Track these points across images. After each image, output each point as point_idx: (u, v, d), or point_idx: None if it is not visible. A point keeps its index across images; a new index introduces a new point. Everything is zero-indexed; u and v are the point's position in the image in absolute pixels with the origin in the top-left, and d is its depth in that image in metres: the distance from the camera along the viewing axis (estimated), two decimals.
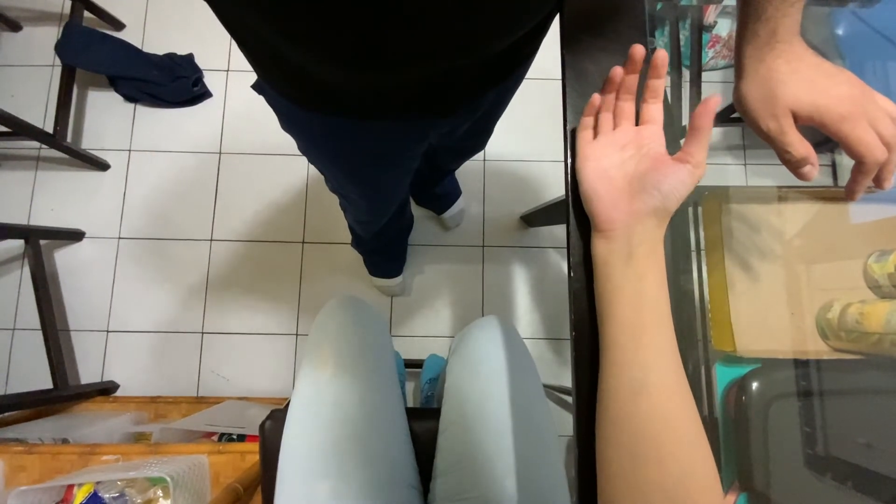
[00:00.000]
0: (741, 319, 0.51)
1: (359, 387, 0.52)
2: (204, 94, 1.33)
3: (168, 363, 1.22)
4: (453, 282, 1.26)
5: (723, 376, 0.51)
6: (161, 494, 0.75)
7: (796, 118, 0.35)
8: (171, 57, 1.31)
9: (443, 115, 0.52)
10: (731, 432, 0.50)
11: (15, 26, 1.35)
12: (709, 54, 1.30)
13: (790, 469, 0.49)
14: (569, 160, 0.39)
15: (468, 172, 1.29)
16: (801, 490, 0.49)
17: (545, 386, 0.61)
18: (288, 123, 0.52)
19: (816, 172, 0.36)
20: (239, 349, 1.22)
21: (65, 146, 1.17)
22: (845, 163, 0.39)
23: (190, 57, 1.33)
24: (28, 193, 1.28)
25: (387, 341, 0.63)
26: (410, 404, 1.18)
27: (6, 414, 1.05)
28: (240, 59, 1.33)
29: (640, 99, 0.37)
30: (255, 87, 0.48)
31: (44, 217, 1.26)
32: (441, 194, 1.18)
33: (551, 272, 1.27)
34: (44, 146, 1.18)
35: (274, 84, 0.45)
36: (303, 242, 1.27)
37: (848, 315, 0.50)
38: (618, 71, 0.36)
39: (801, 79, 0.35)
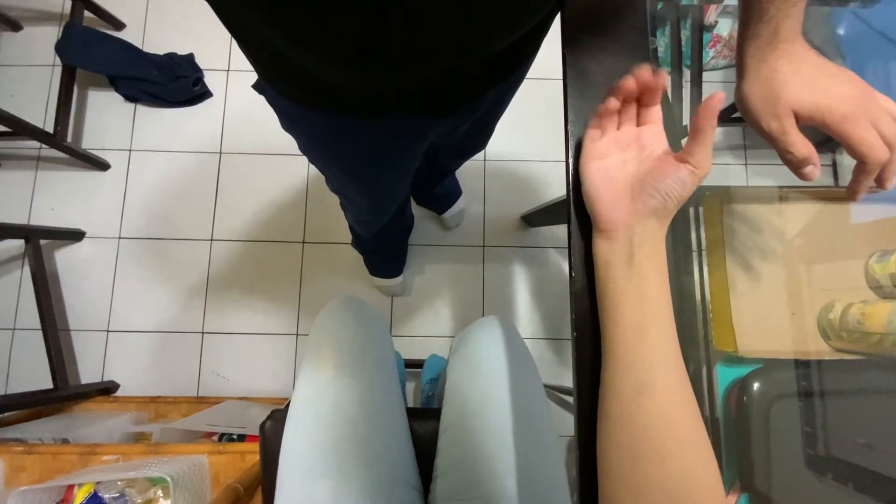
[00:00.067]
0: (742, 320, 0.51)
1: (359, 387, 0.52)
2: (204, 94, 1.33)
3: (168, 363, 1.22)
4: (454, 282, 1.26)
5: (724, 377, 0.51)
6: (161, 494, 0.75)
7: (798, 118, 0.35)
8: (171, 57, 1.31)
9: (443, 114, 0.52)
10: (733, 433, 0.49)
11: (15, 26, 1.35)
12: (709, 54, 1.30)
13: (791, 469, 0.48)
14: (570, 160, 0.39)
15: (469, 172, 1.29)
16: (802, 490, 0.49)
17: (546, 386, 0.61)
18: (288, 123, 0.52)
19: (818, 173, 0.36)
20: (239, 349, 1.22)
21: (65, 146, 1.16)
22: (846, 163, 0.39)
23: (190, 57, 1.33)
24: (28, 193, 1.28)
25: (387, 341, 0.63)
26: (411, 404, 1.18)
27: (6, 414, 1.05)
28: (240, 59, 1.33)
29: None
30: (256, 86, 0.48)
31: (44, 217, 1.26)
32: (441, 194, 1.18)
33: (552, 272, 1.27)
34: (44, 146, 1.18)
35: (274, 83, 0.44)
36: (303, 242, 1.27)
37: (849, 315, 0.50)
38: (628, 85, 0.35)
39: (802, 79, 0.35)
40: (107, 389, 1.18)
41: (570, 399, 1.16)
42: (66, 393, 1.07)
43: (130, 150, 1.31)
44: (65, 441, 0.92)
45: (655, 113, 0.36)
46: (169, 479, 0.70)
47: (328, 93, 0.42)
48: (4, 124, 1.03)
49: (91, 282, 1.24)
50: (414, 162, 0.64)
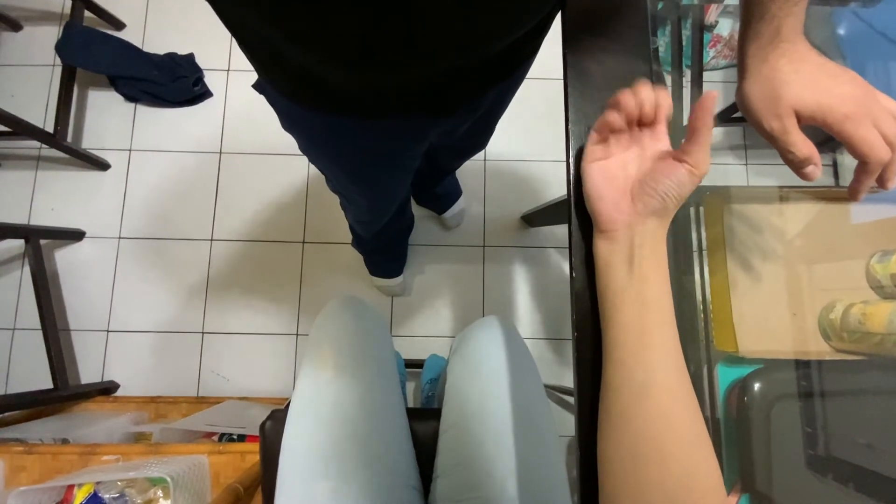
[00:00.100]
0: (743, 320, 0.51)
1: (359, 387, 0.52)
2: (204, 94, 1.33)
3: (168, 363, 1.22)
4: (454, 282, 1.26)
5: (725, 377, 0.51)
6: (161, 495, 0.75)
7: (799, 118, 0.35)
8: (171, 57, 1.31)
9: (443, 114, 0.52)
10: (733, 433, 0.49)
11: (15, 26, 1.35)
12: (710, 54, 1.29)
13: (792, 470, 0.48)
14: (571, 160, 0.39)
15: (469, 172, 1.29)
16: (803, 491, 0.49)
17: (546, 386, 0.61)
18: (289, 123, 0.52)
19: (820, 172, 0.36)
20: (239, 349, 1.22)
21: (65, 146, 1.16)
22: (847, 162, 0.38)
23: (190, 56, 1.33)
24: (28, 193, 1.28)
25: (387, 341, 0.63)
26: (411, 404, 1.18)
27: (6, 414, 1.05)
28: (240, 59, 1.33)
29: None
30: (256, 86, 0.48)
31: (44, 217, 1.26)
32: (441, 194, 1.18)
33: (552, 272, 1.27)
34: (44, 146, 1.18)
35: (275, 83, 0.44)
36: (303, 242, 1.27)
37: (850, 316, 0.49)
38: (628, 108, 0.34)
39: (804, 78, 0.35)
40: (107, 389, 1.18)
41: (571, 399, 1.16)
42: (66, 393, 1.07)
43: (130, 150, 1.31)
44: (65, 441, 0.92)
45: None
46: (169, 479, 0.70)
47: (328, 92, 0.42)
48: (4, 124, 1.03)
49: (91, 282, 1.24)
50: (414, 162, 0.64)
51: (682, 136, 0.32)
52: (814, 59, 0.35)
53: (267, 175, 1.30)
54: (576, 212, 0.37)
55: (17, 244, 1.22)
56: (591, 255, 0.35)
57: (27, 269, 1.15)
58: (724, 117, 0.98)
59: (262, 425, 0.60)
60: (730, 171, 1.29)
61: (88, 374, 1.21)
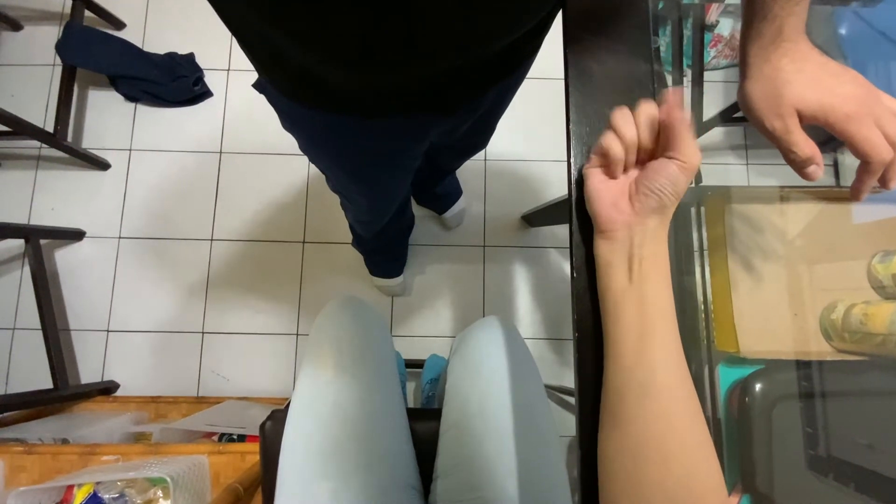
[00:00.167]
0: (744, 320, 0.51)
1: (359, 387, 0.52)
2: (204, 94, 1.33)
3: (168, 363, 1.22)
4: (454, 282, 1.26)
5: (726, 377, 0.51)
6: (161, 495, 0.75)
7: (801, 117, 0.35)
8: (171, 56, 1.31)
9: (444, 114, 0.52)
10: (734, 433, 0.49)
11: (16, 26, 1.35)
12: (711, 54, 1.29)
13: (793, 470, 0.48)
14: (571, 160, 0.38)
15: (469, 172, 1.28)
16: (804, 491, 0.49)
17: (546, 386, 0.61)
18: (289, 122, 0.52)
19: (822, 172, 0.36)
20: (239, 349, 1.22)
21: (65, 146, 1.16)
22: (848, 162, 0.38)
23: (190, 56, 1.33)
24: (28, 193, 1.28)
25: (387, 341, 0.63)
26: (411, 405, 1.18)
27: (6, 414, 1.05)
28: (240, 59, 1.33)
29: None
30: (256, 85, 0.48)
31: (44, 217, 1.26)
32: (442, 194, 1.17)
33: (553, 272, 1.27)
34: (44, 146, 1.18)
35: (275, 82, 0.44)
36: (303, 242, 1.27)
37: (852, 316, 0.49)
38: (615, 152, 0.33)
39: (806, 78, 0.35)
40: (107, 389, 1.18)
41: (571, 399, 1.16)
42: (66, 393, 1.07)
43: (130, 150, 1.31)
44: (65, 441, 0.92)
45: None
46: (169, 479, 0.70)
47: (328, 92, 0.42)
48: (5, 124, 1.03)
49: (91, 281, 1.24)
50: (414, 161, 0.64)
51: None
52: (816, 58, 0.35)
53: (267, 175, 1.29)
54: (576, 212, 0.37)
55: (17, 244, 1.22)
56: (591, 255, 0.35)
57: (27, 268, 1.15)
58: (726, 117, 0.98)
59: (262, 425, 0.60)
60: (731, 171, 1.29)
61: (88, 373, 1.21)
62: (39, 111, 1.29)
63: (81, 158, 1.24)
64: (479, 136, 0.80)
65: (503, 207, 1.29)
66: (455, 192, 1.21)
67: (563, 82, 0.41)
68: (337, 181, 0.66)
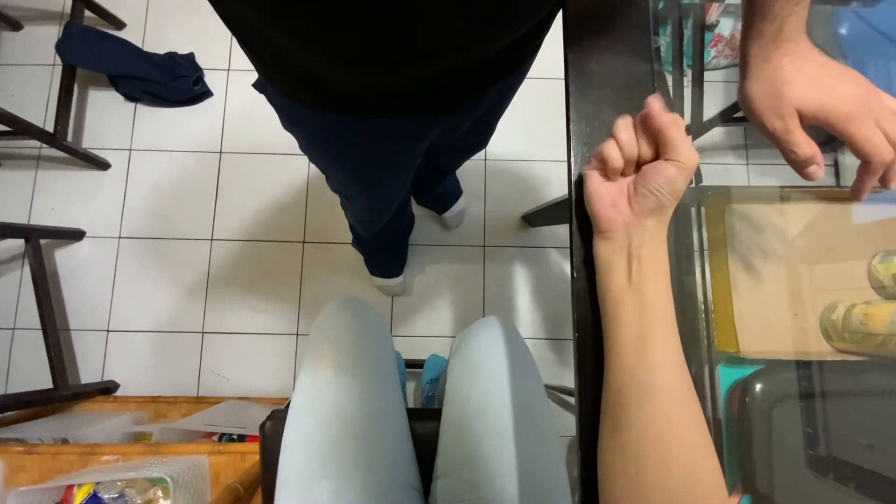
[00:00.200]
0: (744, 320, 0.51)
1: (359, 387, 0.52)
2: (204, 94, 1.33)
3: (168, 363, 1.22)
4: (454, 282, 1.26)
5: (726, 377, 0.51)
6: (161, 495, 0.75)
7: (802, 117, 0.35)
8: (171, 56, 1.31)
9: (444, 113, 0.52)
10: (734, 434, 0.49)
11: (16, 25, 1.35)
12: (711, 53, 1.29)
13: (793, 470, 0.48)
14: (571, 160, 0.38)
15: (469, 172, 1.28)
16: (804, 491, 0.49)
17: (546, 386, 0.60)
18: (289, 122, 0.52)
19: (822, 172, 0.36)
20: (239, 349, 1.22)
21: (65, 145, 1.16)
22: (849, 162, 0.38)
23: (190, 56, 1.33)
24: (28, 193, 1.28)
25: (387, 341, 0.63)
26: (411, 405, 1.18)
27: (6, 414, 1.05)
28: (240, 59, 1.33)
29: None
30: (256, 85, 0.48)
31: (44, 216, 1.26)
32: (442, 194, 1.17)
33: (552, 272, 1.27)
34: (44, 145, 1.18)
35: (275, 82, 0.44)
36: (303, 242, 1.27)
37: (852, 316, 0.49)
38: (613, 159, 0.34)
39: (806, 78, 0.35)
40: (107, 389, 1.18)
41: (571, 399, 1.16)
42: (66, 393, 1.07)
43: (131, 150, 1.31)
44: (64, 441, 0.92)
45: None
46: (169, 479, 0.70)
47: (328, 92, 0.42)
48: (5, 124, 1.03)
49: (91, 281, 1.24)
50: (414, 161, 0.64)
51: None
52: (816, 58, 0.35)
53: (267, 175, 1.29)
54: (576, 212, 0.37)
55: (17, 244, 1.22)
56: (591, 255, 0.35)
57: (27, 268, 1.15)
58: (726, 117, 0.98)
59: (262, 425, 0.60)
60: (731, 171, 1.28)
61: (88, 373, 1.21)
62: (39, 111, 1.29)
63: (81, 158, 1.24)
64: (480, 135, 0.80)
65: (503, 207, 1.29)
66: (455, 192, 1.21)
67: (563, 82, 0.41)
68: (337, 181, 0.66)
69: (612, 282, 0.33)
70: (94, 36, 1.24)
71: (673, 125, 0.31)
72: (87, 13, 1.28)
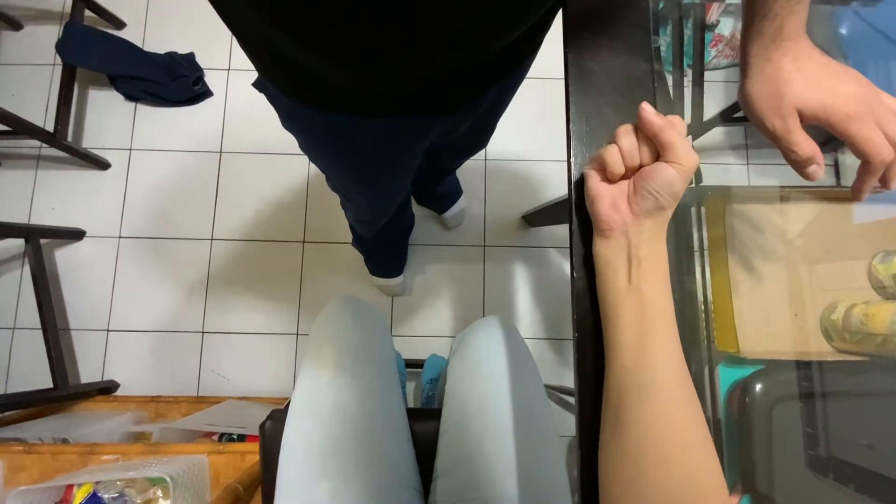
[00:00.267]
0: (745, 320, 0.51)
1: (359, 387, 0.52)
2: (205, 93, 1.33)
3: (168, 362, 1.22)
4: (454, 282, 1.26)
5: (726, 378, 0.51)
6: (161, 494, 0.75)
7: (802, 117, 0.35)
8: (171, 56, 1.31)
9: (444, 113, 0.52)
10: (734, 434, 0.49)
11: (16, 25, 1.35)
12: (711, 53, 1.29)
13: (793, 470, 0.48)
14: (571, 160, 0.38)
15: (469, 172, 1.28)
16: (804, 492, 0.48)
17: (546, 386, 0.60)
18: (289, 121, 0.52)
19: (822, 172, 0.36)
20: (239, 349, 1.22)
21: (65, 145, 1.16)
22: (849, 162, 0.38)
23: (191, 56, 1.33)
24: (28, 192, 1.28)
25: (387, 341, 0.63)
26: (411, 405, 1.18)
27: (6, 413, 1.05)
28: (240, 58, 1.33)
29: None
30: (256, 84, 0.48)
31: (44, 216, 1.26)
32: (442, 194, 1.17)
33: (553, 272, 1.27)
34: (44, 145, 1.18)
35: (275, 82, 0.44)
36: (303, 242, 1.27)
37: (852, 316, 0.49)
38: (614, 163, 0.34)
39: (807, 77, 0.34)
40: (107, 389, 1.18)
41: (571, 399, 1.16)
42: (65, 392, 1.07)
43: (131, 150, 1.31)
44: (64, 441, 0.92)
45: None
46: (168, 479, 0.70)
47: (329, 91, 0.42)
48: (5, 123, 1.03)
49: (91, 281, 1.24)
50: (414, 161, 0.64)
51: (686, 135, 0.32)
52: (816, 57, 0.35)
53: (267, 174, 1.29)
54: (576, 212, 0.37)
55: (17, 243, 1.22)
56: (591, 255, 0.35)
57: (27, 268, 1.15)
58: (726, 117, 0.97)
59: (262, 425, 0.60)
60: (731, 171, 1.28)
61: (88, 373, 1.21)
62: (39, 111, 1.29)
63: (81, 158, 1.24)
64: (480, 135, 0.80)
65: (503, 207, 1.29)
66: (455, 192, 1.20)
67: (563, 82, 0.41)
68: (337, 181, 0.66)
69: (611, 282, 0.33)
70: (94, 36, 1.24)
71: (668, 128, 0.31)
72: (88, 13, 1.28)
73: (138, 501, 0.74)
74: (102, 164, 1.28)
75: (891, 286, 0.50)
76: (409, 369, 1.13)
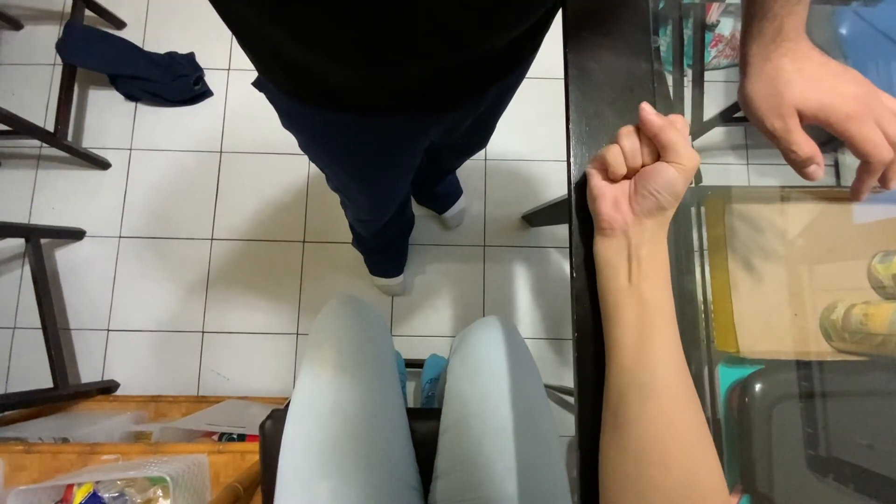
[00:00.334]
0: (744, 320, 0.51)
1: (359, 387, 0.52)
2: (205, 93, 1.33)
3: (169, 362, 1.22)
4: (454, 281, 1.26)
5: (726, 377, 0.51)
6: (161, 494, 0.75)
7: (802, 117, 0.35)
8: (171, 55, 1.31)
9: (444, 112, 0.52)
10: (734, 434, 0.49)
11: (16, 25, 1.35)
12: (711, 53, 1.29)
13: (793, 470, 0.48)
14: (571, 160, 0.38)
15: (469, 171, 1.28)
16: (804, 492, 0.48)
17: (546, 386, 0.60)
18: (289, 121, 0.52)
19: (822, 172, 0.36)
20: (239, 348, 1.22)
21: (66, 145, 1.16)
22: (849, 162, 0.38)
23: (191, 55, 1.33)
24: (29, 192, 1.28)
25: (387, 341, 0.63)
26: (411, 404, 1.18)
27: (6, 413, 1.05)
28: (241, 58, 1.33)
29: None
30: (256, 83, 0.48)
31: (45, 216, 1.26)
32: (442, 193, 1.17)
33: (552, 272, 1.27)
34: (45, 145, 1.18)
35: (275, 81, 0.44)
36: (303, 241, 1.27)
37: (852, 316, 0.49)
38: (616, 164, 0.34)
39: (806, 77, 0.35)
40: (107, 388, 1.18)
41: (571, 399, 1.16)
42: (66, 392, 1.07)
43: (131, 149, 1.31)
44: (64, 440, 0.92)
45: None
46: (168, 478, 0.70)
47: (329, 91, 0.42)
48: (5, 123, 1.03)
49: (91, 281, 1.24)
50: (414, 160, 0.64)
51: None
52: (816, 57, 0.35)
53: (267, 174, 1.29)
54: (576, 212, 0.37)
55: (17, 243, 1.22)
56: (591, 255, 0.35)
57: (27, 268, 1.15)
58: (726, 117, 0.98)
59: (262, 425, 0.60)
60: (731, 171, 1.29)
61: (88, 373, 1.21)
62: (40, 110, 1.29)
63: (82, 158, 1.24)
64: (480, 135, 0.80)
65: (503, 207, 1.29)
66: (455, 192, 1.20)
67: (562, 82, 0.40)
68: (337, 180, 0.66)
69: (611, 282, 0.33)
70: (94, 35, 1.24)
71: (668, 128, 0.31)
72: (88, 13, 1.28)
73: (138, 501, 0.74)
74: (102, 164, 1.28)
75: (890, 286, 0.50)
76: (409, 369, 1.13)
